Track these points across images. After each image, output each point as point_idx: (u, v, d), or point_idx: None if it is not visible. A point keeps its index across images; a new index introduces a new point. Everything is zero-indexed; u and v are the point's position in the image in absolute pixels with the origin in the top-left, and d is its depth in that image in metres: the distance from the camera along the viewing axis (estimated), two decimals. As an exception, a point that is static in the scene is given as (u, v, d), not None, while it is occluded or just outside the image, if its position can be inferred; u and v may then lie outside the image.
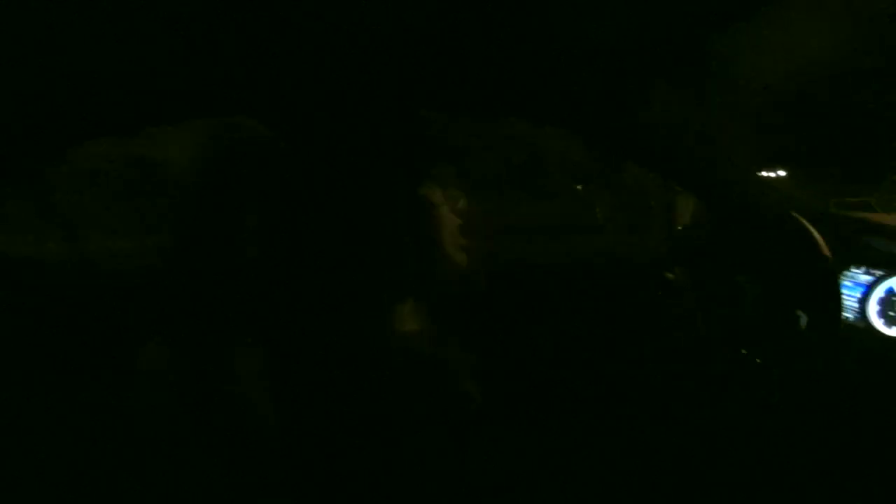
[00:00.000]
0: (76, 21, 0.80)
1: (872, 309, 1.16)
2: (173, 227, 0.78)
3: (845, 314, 1.20)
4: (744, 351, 1.11)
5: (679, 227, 1.46)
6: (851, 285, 1.21)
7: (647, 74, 1.14)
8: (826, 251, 1.04)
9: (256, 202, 0.75)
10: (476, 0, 0.85)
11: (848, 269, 1.22)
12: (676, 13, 1.01)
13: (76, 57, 0.87)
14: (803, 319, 1.04)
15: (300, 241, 0.74)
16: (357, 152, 0.75)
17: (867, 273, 1.19)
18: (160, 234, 0.79)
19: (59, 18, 0.79)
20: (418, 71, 1.02)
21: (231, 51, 0.93)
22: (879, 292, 1.16)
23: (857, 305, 1.18)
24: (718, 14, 0.98)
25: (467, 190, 0.86)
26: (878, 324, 1.15)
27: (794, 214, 1.13)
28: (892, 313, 1.14)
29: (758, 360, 1.08)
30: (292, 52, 0.94)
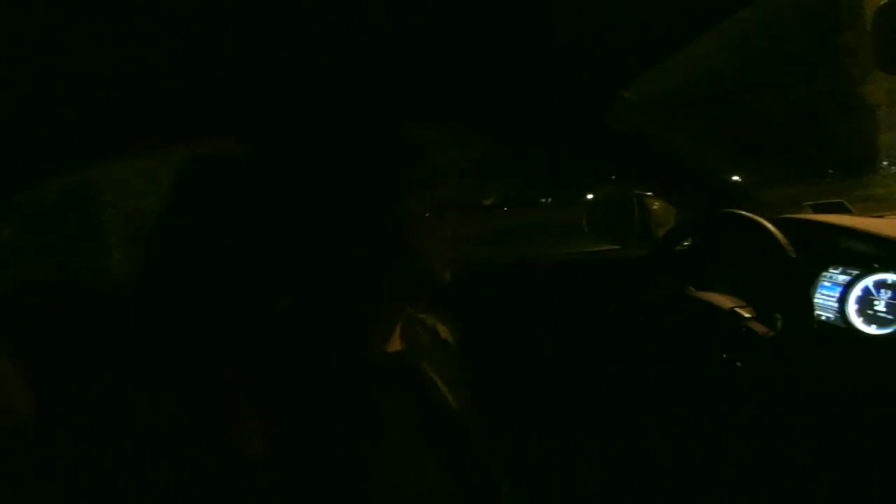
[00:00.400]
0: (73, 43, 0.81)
1: (851, 308, 1.18)
2: (156, 246, 0.78)
3: (825, 314, 1.22)
4: (724, 355, 1.12)
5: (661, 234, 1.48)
6: (829, 285, 1.23)
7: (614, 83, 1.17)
8: (792, 253, 1.06)
9: (235, 221, 0.75)
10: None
11: (826, 269, 1.24)
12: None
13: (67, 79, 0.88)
14: (779, 322, 1.05)
15: (282, 257, 0.74)
16: (338, 166, 0.76)
17: (844, 273, 1.21)
18: (143, 253, 0.79)
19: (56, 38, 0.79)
20: (402, 80, 1.04)
21: (207, 71, 0.94)
22: (857, 291, 1.17)
23: (836, 305, 1.20)
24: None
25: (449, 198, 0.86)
26: (858, 322, 1.17)
27: (758, 218, 1.15)
28: (870, 311, 1.15)
29: (738, 364, 1.09)
30: (271, 67, 0.95)
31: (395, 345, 0.78)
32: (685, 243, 1.45)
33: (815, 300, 1.24)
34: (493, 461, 0.80)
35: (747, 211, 1.23)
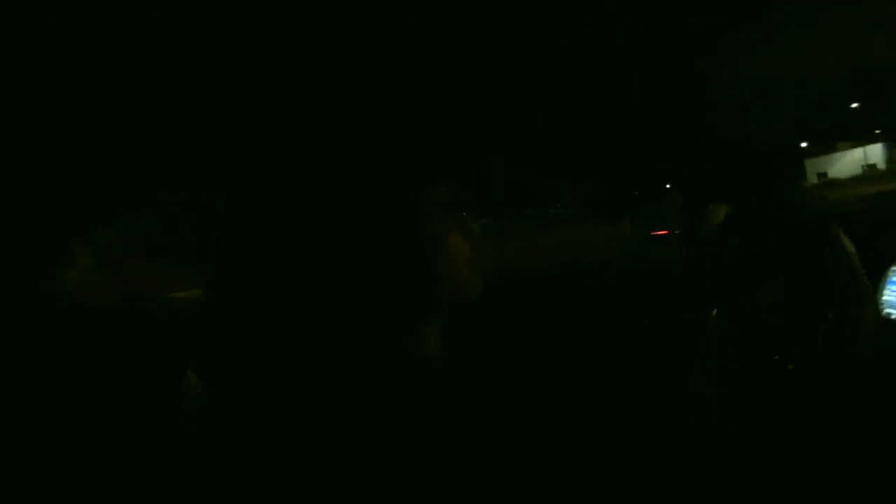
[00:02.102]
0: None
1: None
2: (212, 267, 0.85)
3: (892, 310, 1.13)
4: (776, 357, 1.08)
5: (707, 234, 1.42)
6: None
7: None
8: (852, 250, 1.00)
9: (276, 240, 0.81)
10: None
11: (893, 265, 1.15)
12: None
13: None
14: (831, 319, 1.00)
15: (318, 267, 0.79)
16: (367, 180, 0.79)
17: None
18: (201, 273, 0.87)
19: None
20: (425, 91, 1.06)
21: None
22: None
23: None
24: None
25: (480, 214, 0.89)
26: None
27: (824, 219, 1.09)
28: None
29: (790, 367, 1.04)
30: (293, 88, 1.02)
31: (428, 354, 0.81)
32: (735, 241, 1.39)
33: (885, 297, 1.16)
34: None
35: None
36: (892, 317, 1.14)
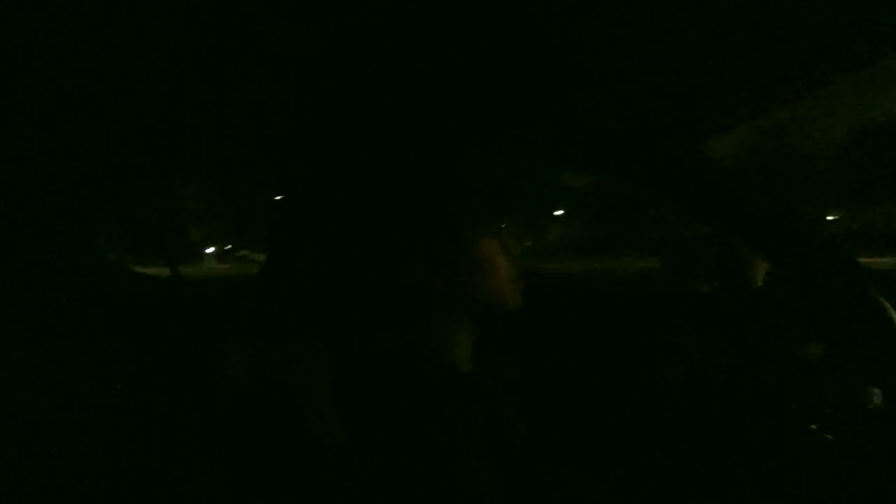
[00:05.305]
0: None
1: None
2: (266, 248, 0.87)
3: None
4: (814, 426, 1.03)
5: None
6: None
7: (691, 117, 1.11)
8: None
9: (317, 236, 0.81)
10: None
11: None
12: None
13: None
14: (878, 396, 0.95)
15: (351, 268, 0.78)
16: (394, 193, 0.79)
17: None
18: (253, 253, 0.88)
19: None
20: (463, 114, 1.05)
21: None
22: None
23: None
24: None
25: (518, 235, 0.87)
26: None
27: (871, 290, 1.05)
28: None
29: (828, 437, 0.99)
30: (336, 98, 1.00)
31: (466, 365, 0.78)
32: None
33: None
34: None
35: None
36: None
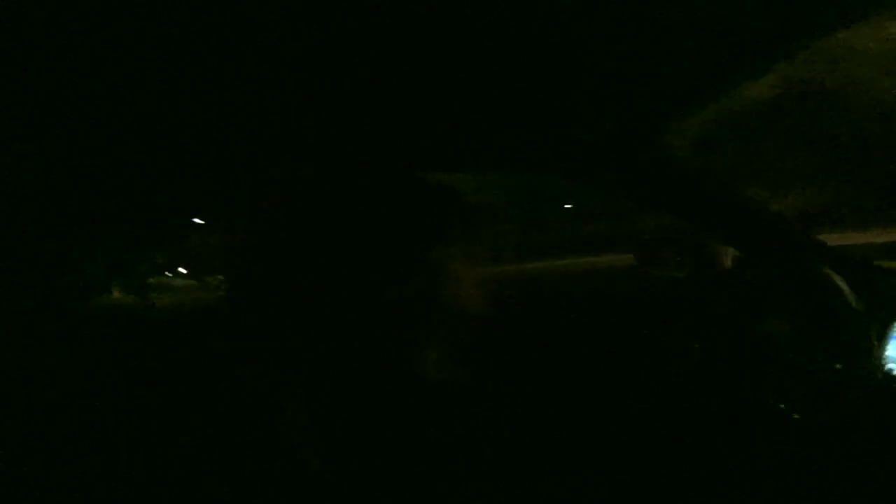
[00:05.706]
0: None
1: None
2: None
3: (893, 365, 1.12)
4: (782, 406, 1.06)
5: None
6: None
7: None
8: (855, 303, 1.00)
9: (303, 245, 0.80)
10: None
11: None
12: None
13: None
14: (837, 370, 0.99)
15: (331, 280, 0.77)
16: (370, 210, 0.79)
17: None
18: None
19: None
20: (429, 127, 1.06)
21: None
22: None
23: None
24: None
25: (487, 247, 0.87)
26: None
27: (825, 269, 1.09)
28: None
29: (795, 416, 1.02)
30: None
31: (439, 373, 0.78)
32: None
33: (887, 351, 1.15)
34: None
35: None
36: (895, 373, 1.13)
